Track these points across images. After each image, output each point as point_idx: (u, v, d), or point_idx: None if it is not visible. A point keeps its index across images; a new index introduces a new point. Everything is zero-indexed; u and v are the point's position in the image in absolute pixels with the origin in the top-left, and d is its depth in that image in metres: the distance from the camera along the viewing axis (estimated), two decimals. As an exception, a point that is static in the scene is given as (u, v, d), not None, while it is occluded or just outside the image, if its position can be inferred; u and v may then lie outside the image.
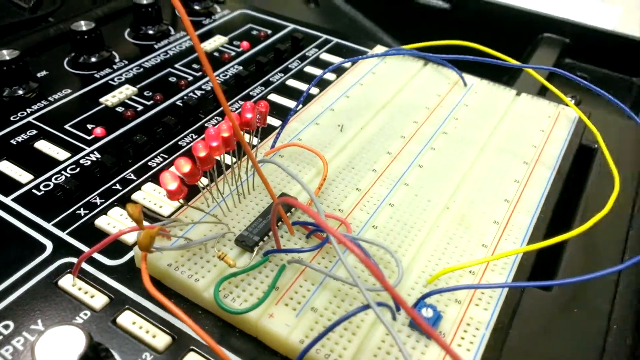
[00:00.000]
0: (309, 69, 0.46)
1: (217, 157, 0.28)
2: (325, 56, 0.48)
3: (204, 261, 0.28)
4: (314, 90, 0.43)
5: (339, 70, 0.45)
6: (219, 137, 0.28)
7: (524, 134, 0.39)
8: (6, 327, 0.25)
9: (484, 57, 0.41)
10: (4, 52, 0.39)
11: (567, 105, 0.41)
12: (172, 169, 0.26)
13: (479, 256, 0.30)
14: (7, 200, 0.32)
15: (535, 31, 0.58)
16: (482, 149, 0.37)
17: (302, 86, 0.44)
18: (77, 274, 0.28)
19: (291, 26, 0.53)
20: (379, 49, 0.48)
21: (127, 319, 0.26)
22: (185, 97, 0.41)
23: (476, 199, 0.33)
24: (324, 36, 0.52)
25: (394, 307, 0.26)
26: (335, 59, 0.47)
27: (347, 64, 0.46)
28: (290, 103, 0.42)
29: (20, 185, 0.33)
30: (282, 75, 0.46)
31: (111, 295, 0.27)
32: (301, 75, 0.45)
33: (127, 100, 0.41)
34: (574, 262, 0.31)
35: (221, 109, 0.41)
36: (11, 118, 0.38)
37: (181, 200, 0.27)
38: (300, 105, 0.40)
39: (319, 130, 0.37)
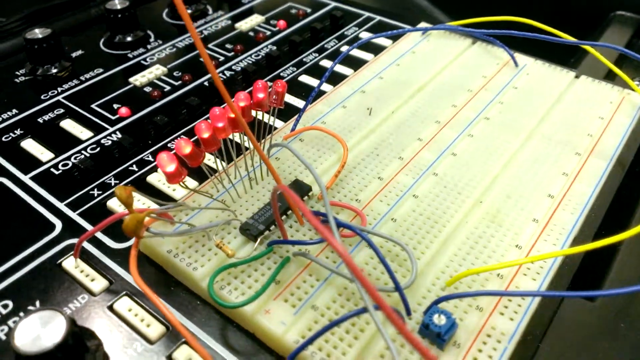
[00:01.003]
0: (346, 49, 0.43)
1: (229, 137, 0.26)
2: (365, 35, 0.45)
3: (205, 249, 0.26)
4: (348, 71, 0.41)
5: (377, 50, 0.42)
6: (224, 117, 0.26)
7: (579, 121, 0.35)
8: (5, 306, 0.25)
9: (542, 35, 0.37)
10: (37, 31, 0.39)
11: (633, 90, 0.36)
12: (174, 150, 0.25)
13: (510, 258, 0.26)
14: (25, 178, 0.32)
15: (607, 8, 0.52)
16: (528, 137, 0.33)
17: (339, 68, 0.41)
18: (80, 255, 0.27)
19: (332, 4, 0.50)
20: (423, 26, 0.44)
21: (124, 306, 0.25)
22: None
23: (514, 193, 0.30)
24: (366, 14, 0.49)
25: (404, 311, 0.24)
26: (376, 39, 0.44)
27: (387, 43, 0.43)
28: (323, 85, 0.39)
29: (40, 163, 0.33)
30: (317, 55, 0.43)
31: (112, 279, 0.26)
32: (336, 56, 0.43)
33: (155, 81, 0.40)
34: (626, 270, 0.27)
35: (249, 89, 0.39)
36: (42, 97, 0.38)
37: (182, 184, 0.25)
38: (331, 87, 0.37)
39: (345, 114, 0.35)
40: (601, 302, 0.26)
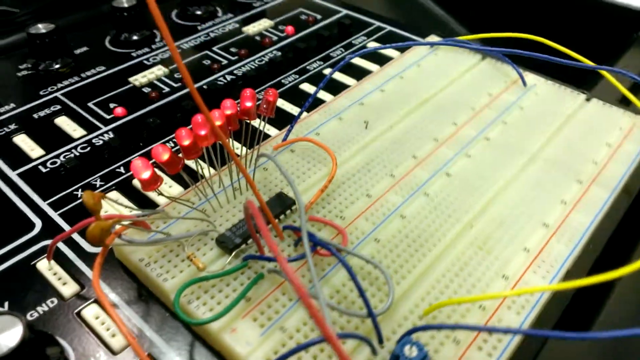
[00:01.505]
0: (352, 61, 0.42)
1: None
2: (373, 45, 0.44)
3: (178, 260, 0.25)
4: (351, 81, 0.40)
5: (383, 61, 0.41)
6: (207, 125, 0.26)
7: (584, 147, 0.33)
8: (-28, 305, 0.25)
9: (555, 56, 0.35)
10: (40, 25, 0.39)
11: (645, 116, 0.34)
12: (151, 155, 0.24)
13: (495, 289, 0.25)
14: (12, 174, 0.32)
15: (630, 29, 0.50)
16: (529, 161, 0.32)
17: (338, 76, 0.40)
18: (55, 257, 0.27)
19: (344, 12, 0.49)
20: (432, 39, 0.43)
21: (91, 313, 0.25)
22: (212, 81, 0.39)
23: (508, 219, 0.28)
24: (377, 23, 0.48)
25: (376, 339, 0.22)
26: (384, 50, 0.43)
27: (395, 54, 0.42)
28: (324, 95, 0.38)
29: (29, 160, 0.33)
30: (321, 63, 0.42)
31: (83, 284, 0.26)
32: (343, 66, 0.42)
33: (155, 81, 0.40)
34: (622, 310, 0.26)
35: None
36: (40, 92, 0.38)
37: (158, 191, 0.25)
38: (332, 97, 0.37)
39: (340, 125, 0.34)
40: (590, 343, 0.24)
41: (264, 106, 0.29)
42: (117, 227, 0.25)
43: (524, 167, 0.32)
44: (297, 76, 0.41)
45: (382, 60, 0.41)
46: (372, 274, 0.25)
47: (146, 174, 0.24)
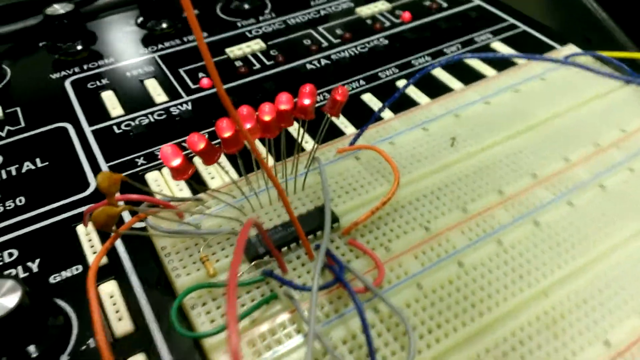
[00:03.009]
0: (467, 60, 0.37)
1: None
2: (498, 46, 0.38)
3: (198, 257, 0.24)
4: (456, 84, 0.34)
5: (501, 65, 0.35)
6: (253, 117, 0.23)
7: None
8: (10, 255, 0.26)
9: None
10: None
11: None
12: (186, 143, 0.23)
13: (551, 386, 0.20)
14: (87, 130, 0.32)
15: None
16: (652, 226, 0.25)
17: (446, 78, 0.35)
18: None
19: (476, 2, 0.43)
20: (570, 49, 0.36)
21: (108, 290, 0.24)
22: (302, 64, 0.37)
23: (595, 297, 0.22)
24: (510, 21, 0.41)
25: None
26: (510, 52, 0.37)
27: (522, 60, 0.35)
28: (421, 97, 0.34)
29: (108, 117, 0.33)
30: (429, 59, 0.37)
31: (111, 258, 0.25)
32: (452, 66, 0.36)
33: (249, 55, 0.38)
34: None
35: (336, 84, 0.35)
36: (140, 50, 0.39)
37: (188, 181, 0.23)
38: (427, 100, 0.32)
39: (423, 138, 0.29)
40: None
41: (330, 105, 0.25)
42: (147, 209, 0.24)
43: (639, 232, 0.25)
44: (397, 70, 0.36)
45: (501, 64, 0.35)
46: (400, 327, 0.21)
47: (176, 162, 0.22)
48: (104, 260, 0.25)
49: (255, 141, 0.24)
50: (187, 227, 0.24)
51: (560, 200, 0.26)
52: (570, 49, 0.35)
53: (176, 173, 0.22)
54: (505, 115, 0.30)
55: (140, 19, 0.41)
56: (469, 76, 0.35)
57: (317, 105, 0.30)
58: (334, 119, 0.32)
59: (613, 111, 0.31)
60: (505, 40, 0.39)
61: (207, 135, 0.27)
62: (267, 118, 0.24)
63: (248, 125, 0.23)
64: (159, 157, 0.22)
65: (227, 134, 0.23)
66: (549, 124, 0.30)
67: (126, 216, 0.27)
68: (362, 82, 0.35)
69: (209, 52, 0.17)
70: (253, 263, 0.23)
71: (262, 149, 0.30)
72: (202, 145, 0.22)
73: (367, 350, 0.20)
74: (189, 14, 0.16)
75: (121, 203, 0.22)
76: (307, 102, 0.24)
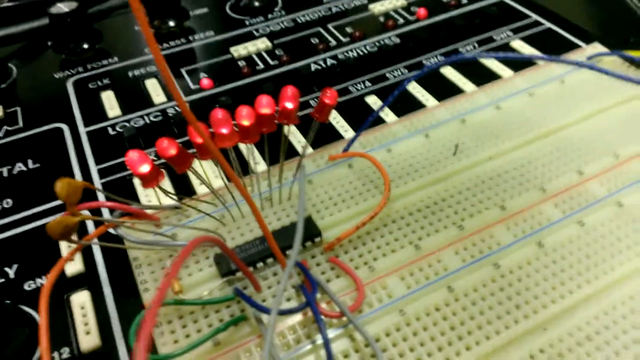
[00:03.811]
0: (483, 60, 0.34)
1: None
2: (518, 45, 0.35)
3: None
4: (469, 86, 0.32)
5: (518, 65, 0.32)
6: (229, 123, 0.22)
7: None
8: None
9: None
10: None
11: None
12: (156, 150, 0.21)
13: None
14: (82, 130, 0.32)
15: None
16: (674, 251, 0.22)
17: (457, 78, 0.33)
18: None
19: (501, -3, 0.40)
20: (595, 49, 0.32)
21: (79, 300, 0.23)
22: (306, 65, 0.35)
23: (602, 335, 0.20)
24: (534, 17, 0.38)
25: None
26: (532, 52, 0.34)
27: (541, 61, 0.32)
28: (428, 99, 0.32)
29: (104, 118, 0.32)
30: (441, 60, 0.35)
31: (88, 266, 0.25)
32: (465, 65, 0.34)
33: (254, 55, 0.37)
34: None
35: (341, 85, 0.33)
36: (145, 50, 0.38)
37: (157, 188, 0.22)
38: (435, 103, 0.30)
39: (423, 145, 0.27)
40: None
41: (318, 109, 0.24)
42: (121, 218, 0.23)
43: (662, 259, 0.22)
44: (407, 71, 0.34)
45: (519, 64, 0.33)
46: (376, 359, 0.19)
47: (145, 168, 0.21)
48: (80, 268, 0.24)
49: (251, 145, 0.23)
50: (161, 238, 0.23)
51: (570, 219, 0.23)
52: (595, 48, 0.32)
53: (146, 181, 0.21)
54: (516, 122, 0.28)
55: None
56: (483, 77, 0.32)
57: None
58: (333, 121, 0.31)
59: (637, 120, 0.28)
60: (526, 39, 0.36)
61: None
62: (245, 123, 0.22)
63: (224, 131, 0.22)
64: (127, 164, 0.21)
65: (200, 139, 0.22)
66: (563, 132, 0.27)
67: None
68: (367, 83, 0.33)
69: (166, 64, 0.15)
70: (225, 279, 0.22)
71: (257, 155, 0.29)
72: (172, 152, 0.21)
73: (335, 382, 0.19)
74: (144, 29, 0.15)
75: (87, 212, 0.21)
76: (290, 105, 0.23)
